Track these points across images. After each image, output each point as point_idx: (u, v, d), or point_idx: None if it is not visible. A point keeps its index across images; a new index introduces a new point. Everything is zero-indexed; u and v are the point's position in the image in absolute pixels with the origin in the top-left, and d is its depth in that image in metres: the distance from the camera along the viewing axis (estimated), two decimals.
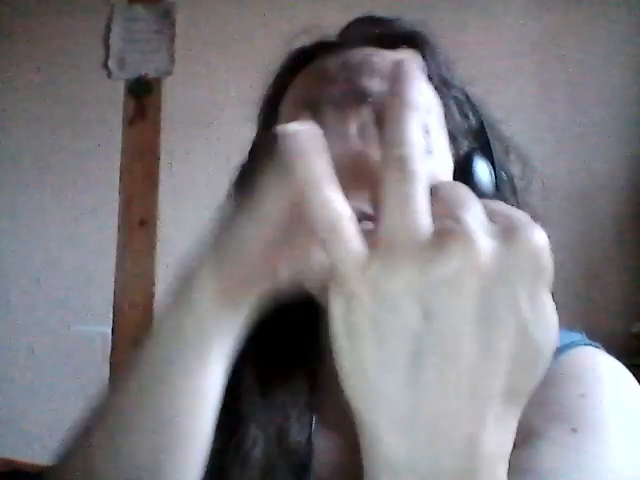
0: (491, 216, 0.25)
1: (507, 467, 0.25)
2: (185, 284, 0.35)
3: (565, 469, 0.37)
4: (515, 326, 0.23)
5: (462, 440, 0.23)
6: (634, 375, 0.47)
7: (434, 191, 0.25)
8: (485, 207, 0.25)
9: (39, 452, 1.88)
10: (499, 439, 0.24)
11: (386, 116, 0.26)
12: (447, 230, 0.23)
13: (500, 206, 0.26)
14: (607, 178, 1.65)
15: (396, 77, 0.26)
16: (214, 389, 0.36)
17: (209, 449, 0.44)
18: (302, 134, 0.26)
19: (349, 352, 0.24)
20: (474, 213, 0.24)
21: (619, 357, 0.49)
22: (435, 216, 0.24)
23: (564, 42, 1.73)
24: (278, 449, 0.48)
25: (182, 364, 0.34)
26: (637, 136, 1.65)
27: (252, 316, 0.36)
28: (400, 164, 0.24)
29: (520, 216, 0.25)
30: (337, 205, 0.24)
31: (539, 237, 0.24)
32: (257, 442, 0.47)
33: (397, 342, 0.23)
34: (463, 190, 0.25)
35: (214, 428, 0.45)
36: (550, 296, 0.24)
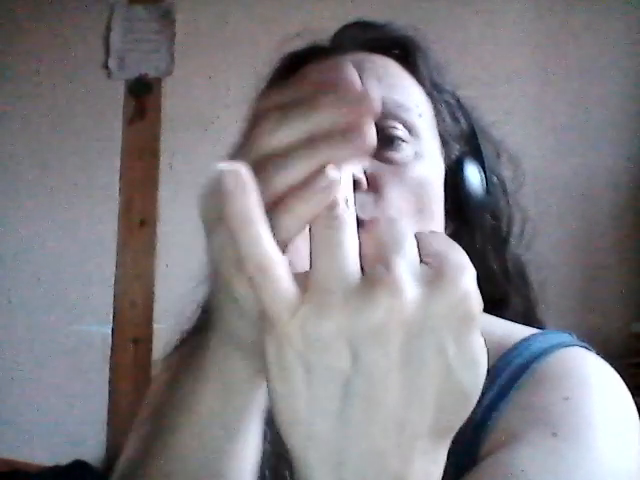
0: (425, 254, 0.25)
1: None
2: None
3: (542, 473, 0.36)
4: (441, 371, 0.24)
5: (391, 476, 0.24)
6: (634, 374, 0.46)
7: (369, 229, 0.25)
8: (420, 243, 0.25)
9: (39, 452, 1.88)
10: (427, 472, 0.25)
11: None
12: (375, 279, 0.23)
13: (436, 243, 0.26)
14: (607, 178, 1.65)
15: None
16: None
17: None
18: (233, 174, 0.25)
19: (282, 392, 0.25)
20: (404, 257, 0.24)
21: (619, 357, 0.49)
22: (368, 257, 0.24)
23: (564, 42, 1.74)
24: (282, 448, 0.48)
25: (240, 409, 0.34)
26: (637, 136, 1.65)
27: None
28: (327, 212, 0.25)
29: (452, 257, 0.25)
30: (266, 244, 0.24)
31: (466, 282, 0.24)
32: (266, 435, 0.47)
33: (327, 384, 0.24)
34: (398, 229, 0.25)
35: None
36: (479, 338, 0.24)
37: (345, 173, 0.26)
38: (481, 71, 1.63)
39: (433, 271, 0.24)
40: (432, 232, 0.27)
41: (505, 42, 1.77)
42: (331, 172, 0.26)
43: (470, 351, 0.24)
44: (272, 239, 0.24)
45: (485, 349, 0.25)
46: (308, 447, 0.25)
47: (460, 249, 0.26)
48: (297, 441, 0.25)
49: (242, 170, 0.25)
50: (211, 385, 0.33)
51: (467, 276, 0.24)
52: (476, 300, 0.24)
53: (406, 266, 0.24)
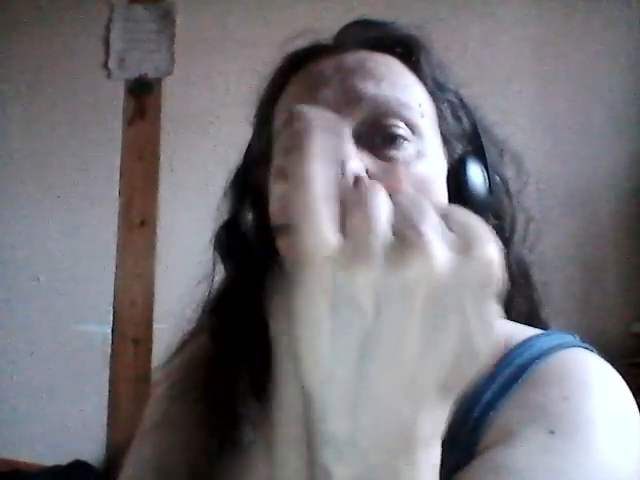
0: (449, 223, 0.27)
1: (440, 447, 0.27)
2: None
3: (537, 470, 0.36)
4: (458, 331, 0.25)
5: (400, 423, 0.26)
6: (634, 374, 0.46)
7: (395, 202, 0.27)
8: (444, 214, 0.27)
9: (39, 452, 1.89)
10: (432, 423, 0.26)
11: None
12: (408, 240, 0.25)
13: (459, 214, 0.27)
14: (607, 178, 1.65)
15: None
16: None
17: (203, 449, 0.44)
18: (314, 114, 0.27)
19: (305, 332, 0.26)
20: (431, 224, 0.26)
21: (619, 357, 0.48)
22: (397, 225, 0.26)
23: (564, 42, 1.74)
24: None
25: None
26: (637, 136, 1.66)
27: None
28: (360, 185, 0.27)
29: (477, 227, 0.27)
30: (322, 184, 0.26)
31: (492, 251, 0.26)
32: (252, 444, 0.47)
33: (350, 330, 0.25)
34: (421, 201, 0.27)
35: (208, 429, 0.45)
36: (495, 304, 0.26)
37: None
38: (481, 71, 1.63)
39: (461, 239, 0.26)
40: (455, 205, 0.29)
41: (505, 42, 1.77)
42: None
43: (487, 315, 0.26)
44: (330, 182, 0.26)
45: (497, 319, 0.26)
46: (325, 390, 0.26)
47: (481, 221, 0.27)
48: (316, 381, 0.26)
49: (314, 112, 0.27)
50: None
51: (492, 245, 0.26)
52: (498, 269, 0.26)
53: (433, 230, 0.25)
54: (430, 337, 0.25)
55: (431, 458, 0.27)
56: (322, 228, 0.25)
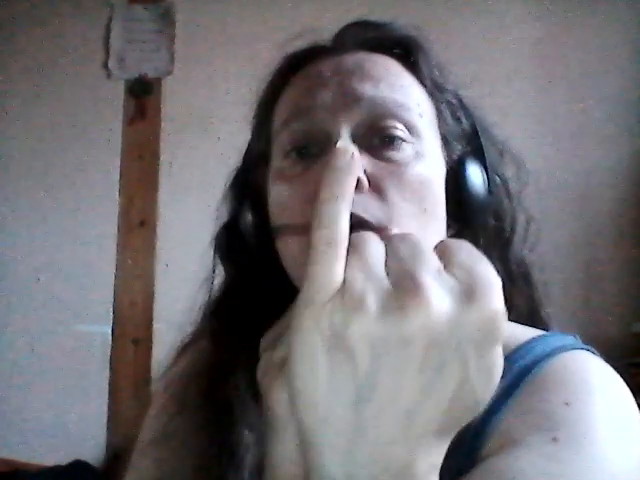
0: (452, 265, 0.26)
1: (437, 478, 0.27)
2: None
3: (540, 478, 0.36)
4: (459, 379, 0.25)
5: (397, 463, 0.26)
6: (634, 374, 0.45)
7: (392, 248, 0.27)
8: (445, 252, 0.26)
9: (39, 452, 1.88)
10: (429, 462, 0.26)
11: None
12: (405, 290, 0.24)
13: (463, 254, 0.27)
14: (607, 178, 1.65)
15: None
16: None
17: (203, 454, 0.44)
18: (350, 154, 0.28)
19: (303, 372, 0.26)
20: (430, 271, 0.25)
21: (619, 356, 0.48)
22: (394, 273, 0.26)
23: (564, 42, 1.73)
24: None
25: None
26: (637, 136, 1.65)
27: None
28: (355, 237, 0.27)
29: (481, 272, 0.26)
30: (344, 224, 0.26)
31: (496, 302, 0.25)
32: (250, 447, 0.47)
33: (347, 378, 0.25)
34: (420, 245, 0.27)
35: (207, 433, 0.44)
36: (500, 352, 0.26)
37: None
38: (481, 71, 1.63)
39: (464, 286, 0.25)
40: (457, 241, 0.28)
41: (505, 42, 1.77)
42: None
43: (490, 364, 0.25)
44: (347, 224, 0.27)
45: (502, 362, 0.26)
46: (322, 433, 0.26)
47: (486, 260, 0.26)
48: (312, 421, 0.26)
49: (354, 153, 0.28)
50: None
51: (497, 294, 0.25)
52: (503, 318, 0.25)
53: (431, 277, 0.25)
54: (428, 385, 0.25)
55: None
56: (334, 271, 0.25)
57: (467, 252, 0.27)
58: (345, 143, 0.27)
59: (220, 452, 0.45)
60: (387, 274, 0.26)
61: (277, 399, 0.36)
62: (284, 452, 0.36)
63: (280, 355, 0.37)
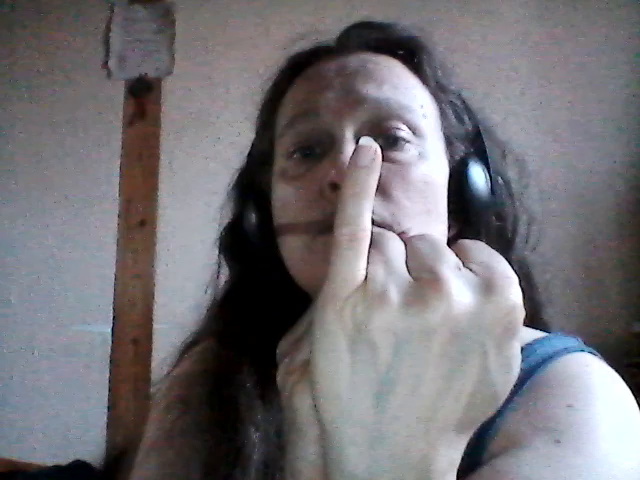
0: (470, 262, 0.27)
1: (455, 475, 0.27)
2: None
3: None
4: (479, 372, 0.25)
5: (417, 459, 0.26)
6: (635, 374, 0.45)
7: (411, 246, 0.27)
8: (464, 252, 0.27)
9: (39, 452, 1.88)
10: (449, 458, 0.27)
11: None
12: (425, 283, 0.25)
13: (480, 251, 0.27)
14: (607, 178, 1.65)
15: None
16: None
17: (210, 453, 0.44)
18: (373, 151, 0.28)
19: (324, 367, 0.26)
20: (449, 265, 0.26)
21: (619, 357, 0.48)
22: (414, 268, 0.26)
23: (564, 42, 1.73)
24: (279, 452, 0.48)
25: None
26: (637, 136, 1.65)
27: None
28: (376, 234, 0.27)
29: (499, 267, 0.27)
30: (367, 221, 0.27)
31: (515, 295, 0.26)
32: (257, 446, 0.47)
33: (369, 371, 0.25)
34: (438, 242, 0.28)
35: (214, 433, 0.44)
36: (518, 345, 0.26)
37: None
38: (481, 71, 1.63)
39: (483, 280, 0.26)
40: (473, 241, 0.29)
41: (505, 42, 1.77)
42: None
43: (509, 357, 0.26)
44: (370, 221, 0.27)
45: (520, 357, 0.26)
46: (343, 427, 0.26)
47: (502, 258, 0.27)
48: (333, 416, 0.26)
49: (377, 150, 0.28)
50: None
51: (515, 288, 0.26)
52: (522, 312, 0.26)
53: (451, 271, 0.25)
54: (449, 377, 0.25)
55: None
56: (357, 266, 0.26)
57: (484, 250, 0.28)
58: (366, 141, 0.28)
59: (227, 452, 0.45)
60: (408, 271, 0.26)
61: (300, 403, 0.36)
62: (307, 457, 0.36)
63: (302, 358, 0.37)
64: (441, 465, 0.26)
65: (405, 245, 0.28)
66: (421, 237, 0.28)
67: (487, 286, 0.25)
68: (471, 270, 0.26)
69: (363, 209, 0.27)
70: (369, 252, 0.26)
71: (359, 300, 0.25)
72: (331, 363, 0.26)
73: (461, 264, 0.26)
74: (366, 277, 0.26)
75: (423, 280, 0.25)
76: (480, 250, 0.28)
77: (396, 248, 0.27)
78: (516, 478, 0.36)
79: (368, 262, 0.26)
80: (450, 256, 0.26)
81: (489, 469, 0.38)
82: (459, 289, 0.25)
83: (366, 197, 0.27)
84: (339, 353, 0.26)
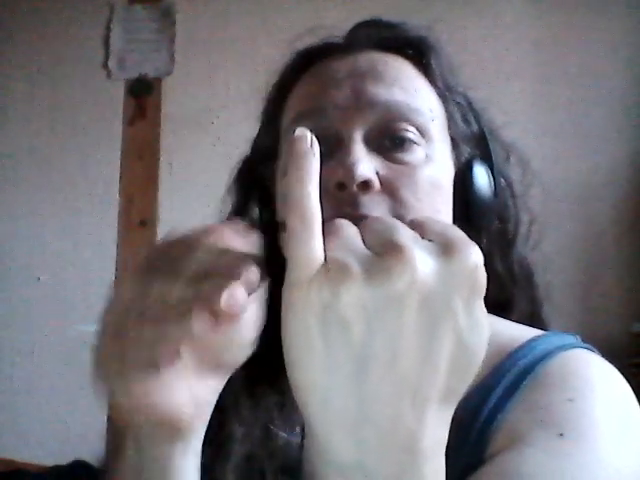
0: (425, 233, 0.27)
1: (444, 457, 0.27)
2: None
3: (548, 475, 0.36)
4: (452, 335, 0.25)
5: (404, 437, 0.25)
6: (635, 374, 0.46)
7: (365, 226, 0.27)
8: (418, 225, 0.27)
9: (39, 452, 1.88)
10: (436, 433, 0.26)
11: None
12: (386, 253, 0.25)
13: (433, 223, 0.28)
14: (607, 178, 1.65)
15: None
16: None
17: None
18: (309, 138, 0.28)
19: (298, 357, 0.26)
20: (406, 235, 0.26)
21: (619, 357, 0.49)
22: (373, 243, 0.26)
23: (564, 42, 1.73)
24: (263, 449, 0.48)
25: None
26: (637, 136, 1.65)
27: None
28: (327, 224, 0.27)
29: (455, 233, 0.27)
30: (314, 202, 0.26)
31: (476, 255, 0.26)
32: (241, 442, 0.47)
33: (344, 351, 0.25)
34: (389, 219, 0.28)
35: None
36: (483, 305, 0.26)
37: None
38: (481, 71, 1.63)
39: (442, 245, 0.26)
40: (426, 216, 0.29)
41: (505, 42, 1.77)
42: None
43: (479, 317, 0.26)
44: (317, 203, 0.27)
45: (487, 320, 0.26)
46: (325, 415, 0.26)
47: (457, 228, 0.28)
48: (314, 407, 0.26)
49: (313, 137, 0.28)
50: None
51: (475, 248, 0.26)
52: (483, 272, 0.26)
53: (409, 240, 0.26)
54: (424, 345, 0.25)
55: (436, 466, 0.27)
56: (313, 247, 0.25)
57: (438, 222, 0.28)
58: (301, 131, 0.28)
59: (209, 446, 0.45)
60: (368, 246, 0.26)
61: None
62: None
63: None
64: (429, 441, 0.26)
65: (360, 227, 0.28)
66: (374, 218, 0.28)
67: (447, 249, 0.26)
68: (429, 239, 0.27)
69: (309, 191, 0.26)
70: (324, 239, 0.26)
71: (323, 280, 0.25)
72: (303, 352, 0.26)
73: (418, 236, 0.27)
74: (325, 259, 0.26)
75: (383, 252, 0.25)
76: (434, 222, 0.28)
77: (351, 229, 0.27)
78: (521, 473, 0.36)
79: (325, 248, 0.26)
80: (406, 229, 0.27)
81: (494, 465, 0.38)
82: (420, 255, 0.25)
83: (310, 180, 0.27)
84: (311, 340, 0.25)
